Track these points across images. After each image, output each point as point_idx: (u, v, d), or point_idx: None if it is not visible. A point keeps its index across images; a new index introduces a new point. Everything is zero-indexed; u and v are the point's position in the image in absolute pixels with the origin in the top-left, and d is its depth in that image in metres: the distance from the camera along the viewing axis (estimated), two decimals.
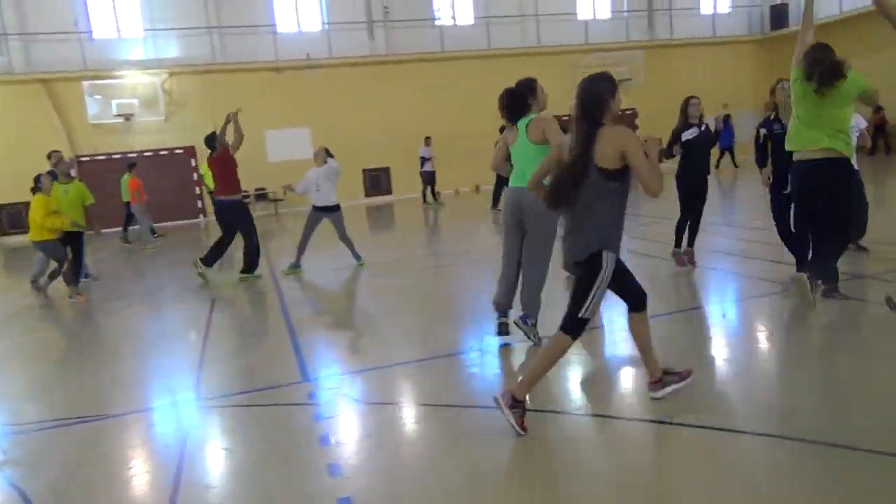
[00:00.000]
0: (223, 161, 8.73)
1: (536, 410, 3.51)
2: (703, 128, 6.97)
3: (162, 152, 19.65)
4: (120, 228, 15.14)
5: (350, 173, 21.30)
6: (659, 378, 3.60)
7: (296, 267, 8.84)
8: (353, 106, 21.02)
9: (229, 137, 8.81)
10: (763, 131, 6.14)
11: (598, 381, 4.32)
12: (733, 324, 5.36)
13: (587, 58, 22.78)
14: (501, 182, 14.23)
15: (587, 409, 3.84)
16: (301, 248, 8.88)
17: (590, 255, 3.29)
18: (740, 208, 12.97)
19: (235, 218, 8.65)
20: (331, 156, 8.92)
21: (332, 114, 20.82)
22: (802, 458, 3.01)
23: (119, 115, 18.92)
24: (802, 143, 4.81)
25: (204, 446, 3.82)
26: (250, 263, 8.66)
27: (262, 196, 20.22)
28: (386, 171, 21.99)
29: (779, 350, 4.67)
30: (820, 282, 4.74)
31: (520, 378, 3.57)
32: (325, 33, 20.95)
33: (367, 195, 21.74)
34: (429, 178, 18.46)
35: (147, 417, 4.29)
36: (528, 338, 4.80)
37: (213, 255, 8.72)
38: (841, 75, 4.53)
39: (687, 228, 7.03)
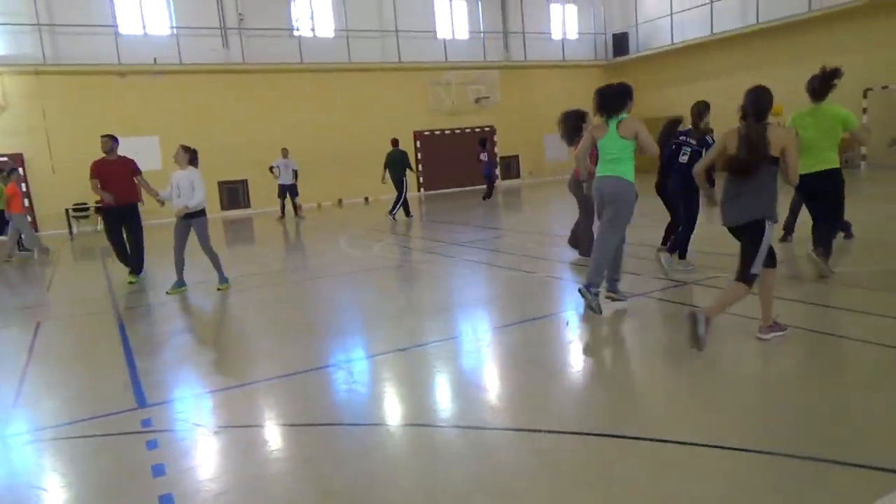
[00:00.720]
0: None
1: (409, 424, 3.42)
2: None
3: None
4: None
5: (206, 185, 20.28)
6: (770, 325, 4.48)
7: (180, 286, 7.98)
8: (207, 115, 20.08)
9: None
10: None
11: (463, 393, 4.32)
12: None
13: (446, 75, 23.39)
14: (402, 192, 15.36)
15: (447, 421, 3.81)
16: (178, 264, 7.98)
17: (754, 221, 4.24)
18: None
19: None
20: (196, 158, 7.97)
21: (184, 122, 19.74)
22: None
23: None
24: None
25: (14, 488, 3.35)
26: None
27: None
28: (244, 183, 21.14)
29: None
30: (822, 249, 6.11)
31: (708, 304, 4.45)
32: (174, 38, 19.82)
33: (224, 208, 20.78)
34: (284, 191, 17.57)
35: None
36: (590, 307, 5.40)
37: None
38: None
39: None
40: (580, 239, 8.07)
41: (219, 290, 7.96)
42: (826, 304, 5.63)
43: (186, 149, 7.91)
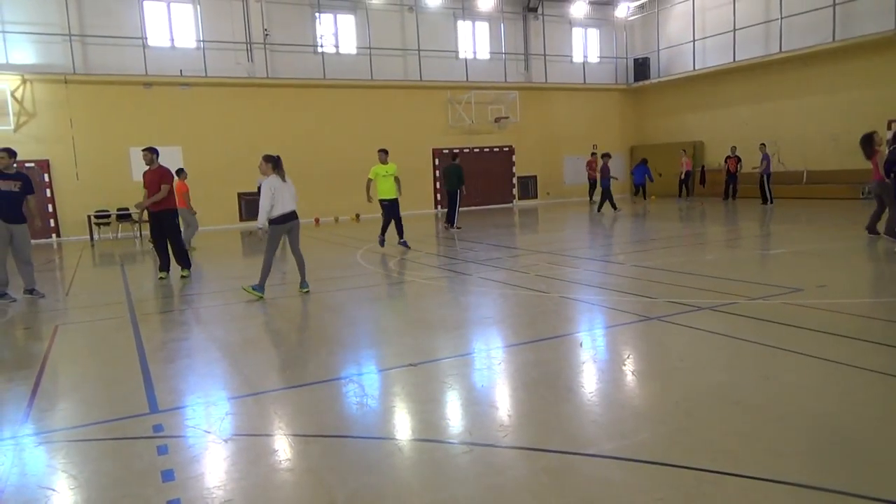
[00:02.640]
0: None
1: (417, 439, 3.42)
2: None
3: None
4: None
5: (225, 196, 20.55)
6: None
7: (259, 289, 8.15)
8: (230, 127, 20.38)
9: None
10: None
11: (473, 410, 4.31)
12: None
13: (467, 95, 23.59)
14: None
15: (456, 438, 3.80)
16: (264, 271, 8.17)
17: None
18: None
19: None
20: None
21: (207, 134, 20.08)
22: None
23: None
24: None
25: (24, 488, 3.38)
26: None
27: (124, 216, 18.91)
28: None
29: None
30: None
31: None
32: (200, 51, 20.19)
33: (243, 220, 20.99)
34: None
35: None
36: None
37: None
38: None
39: None
40: None
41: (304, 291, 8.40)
42: None
43: (268, 158, 8.12)
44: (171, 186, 9.99)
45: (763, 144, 19.75)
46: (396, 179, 12.81)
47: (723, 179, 21.75)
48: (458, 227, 16.17)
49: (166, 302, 8.53)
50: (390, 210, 12.82)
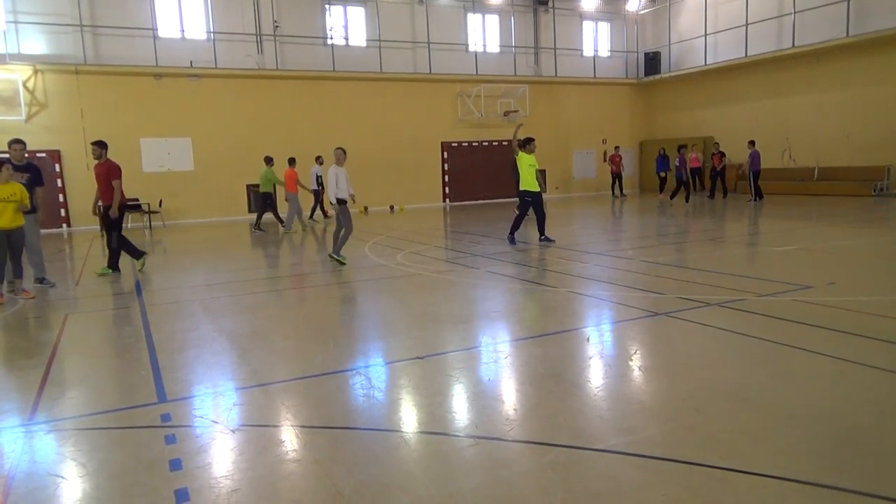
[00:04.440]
0: None
1: (424, 432, 3.42)
2: None
3: None
4: None
5: (234, 188, 20.61)
6: None
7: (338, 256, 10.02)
8: (239, 119, 20.43)
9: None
10: None
11: (480, 404, 4.31)
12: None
13: (476, 88, 23.52)
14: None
15: (462, 431, 3.80)
16: (337, 240, 10.07)
17: None
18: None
19: None
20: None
21: (216, 125, 20.14)
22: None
23: None
24: None
25: (36, 475, 3.41)
26: None
27: (134, 207, 18.99)
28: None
29: None
30: None
31: None
32: (211, 43, 20.22)
33: (251, 212, 21.03)
34: (319, 197, 18.51)
35: None
36: None
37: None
38: None
39: None
40: None
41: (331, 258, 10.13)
42: None
43: (343, 150, 10.16)
44: (120, 181, 9.70)
45: (751, 142, 19.70)
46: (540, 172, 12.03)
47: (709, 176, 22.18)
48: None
49: (175, 292, 8.56)
50: (532, 203, 11.71)
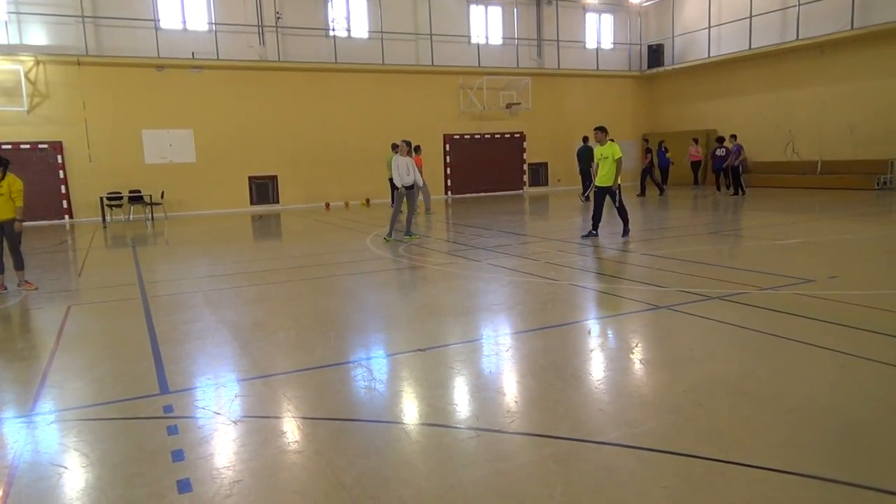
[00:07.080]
0: None
1: (425, 424, 3.43)
2: None
3: (23, 146, 17.98)
4: None
5: (236, 179, 20.61)
6: None
7: (409, 234, 11.92)
8: (241, 111, 20.40)
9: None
10: None
11: (481, 396, 4.32)
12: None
13: (478, 80, 23.45)
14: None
15: (463, 423, 3.81)
16: (394, 220, 11.83)
17: None
18: None
19: None
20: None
21: (218, 117, 20.10)
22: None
23: None
24: None
25: (38, 465, 3.43)
26: None
27: (136, 199, 19.01)
28: (273, 179, 21.38)
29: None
30: None
31: None
32: (213, 34, 20.16)
33: (253, 203, 21.07)
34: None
35: None
36: None
37: None
38: None
39: None
40: None
41: (413, 238, 11.78)
42: None
43: (408, 143, 11.65)
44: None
45: (733, 136, 19.73)
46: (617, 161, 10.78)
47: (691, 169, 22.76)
48: (586, 199, 17.75)
49: (178, 284, 8.57)
50: (607, 197, 11.08)
